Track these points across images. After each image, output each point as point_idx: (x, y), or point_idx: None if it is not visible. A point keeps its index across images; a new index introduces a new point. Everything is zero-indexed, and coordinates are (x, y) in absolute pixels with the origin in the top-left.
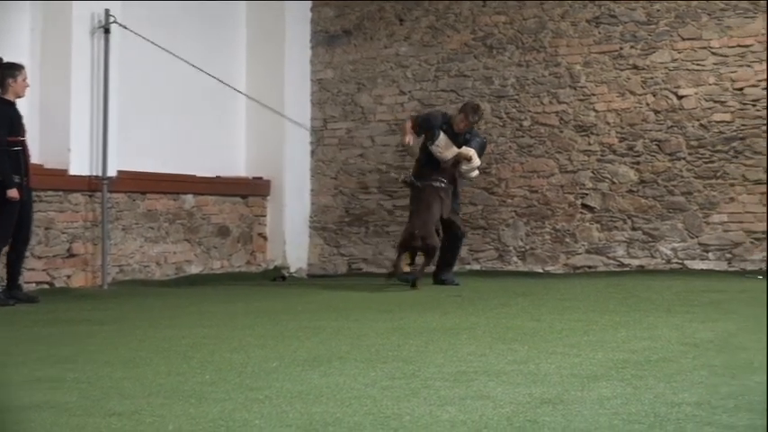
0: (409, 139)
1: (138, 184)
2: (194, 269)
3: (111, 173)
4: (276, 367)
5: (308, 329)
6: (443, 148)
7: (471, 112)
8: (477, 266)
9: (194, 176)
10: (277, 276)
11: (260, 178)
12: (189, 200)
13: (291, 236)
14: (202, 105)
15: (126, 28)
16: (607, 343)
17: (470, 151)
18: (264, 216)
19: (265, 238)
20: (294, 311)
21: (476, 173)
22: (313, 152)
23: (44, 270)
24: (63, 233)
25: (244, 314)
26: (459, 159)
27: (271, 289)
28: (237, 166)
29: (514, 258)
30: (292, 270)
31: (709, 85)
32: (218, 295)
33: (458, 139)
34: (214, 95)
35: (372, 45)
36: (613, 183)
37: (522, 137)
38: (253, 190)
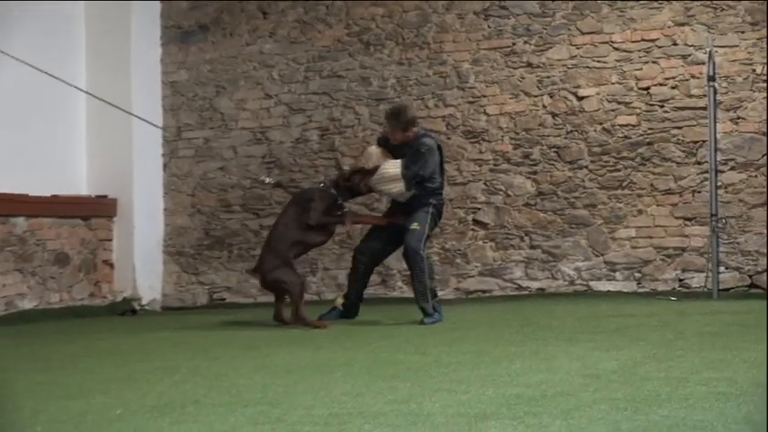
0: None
1: None
2: (28, 304)
3: None
4: (120, 415)
5: (160, 371)
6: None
7: (388, 118)
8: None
9: (26, 196)
10: (126, 310)
11: (104, 197)
12: (20, 223)
13: (143, 262)
14: (35, 113)
15: None
16: (499, 377)
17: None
18: (110, 240)
19: (112, 266)
20: (145, 350)
21: (398, 188)
22: (166, 165)
23: None
24: None
25: (85, 355)
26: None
27: (119, 325)
28: (78, 183)
29: (399, 283)
30: (144, 302)
31: (612, 84)
32: (57, 334)
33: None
34: (49, 101)
35: (233, 42)
36: (508, 195)
37: None
38: (96, 210)
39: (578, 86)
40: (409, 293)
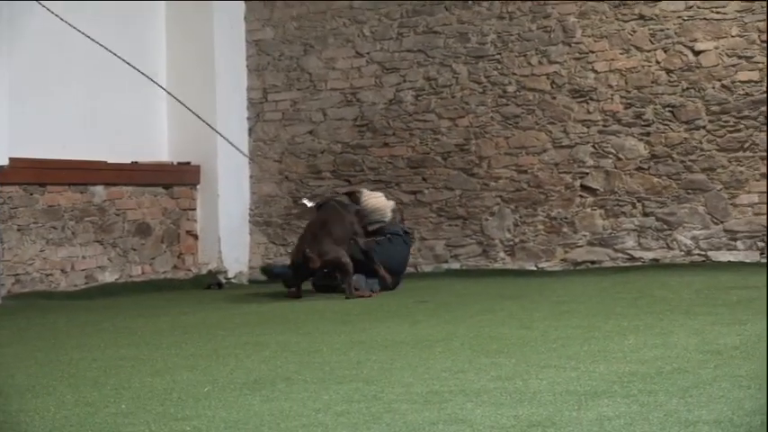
0: None
1: (36, 173)
2: (108, 277)
3: (2, 161)
4: (208, 392)
5: (249, 346)
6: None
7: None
8: (455, 265)
9: (105, 163)
10: (211, 283)
11: (187, 163)
12: (99, 192)
13: (228, 233)
14: (113, 76)
15: None
16: (611, 353)
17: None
18: (194, 210)
19: (196, 237)
20: (231, 325)
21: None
22: (251, 130)
23: None
24: None
25: (169, 330)
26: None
27: (203, 299)
28: (159, 149)
29: (501, 254)
30: (230, 275)
31: (732, 37)
32: (139, 308)
33: None
34: (128, 66)
35: None
36: (619, 159)
37: (507, 105)
38: (178, 178)
39: (695, 40)
40: (512, 264)
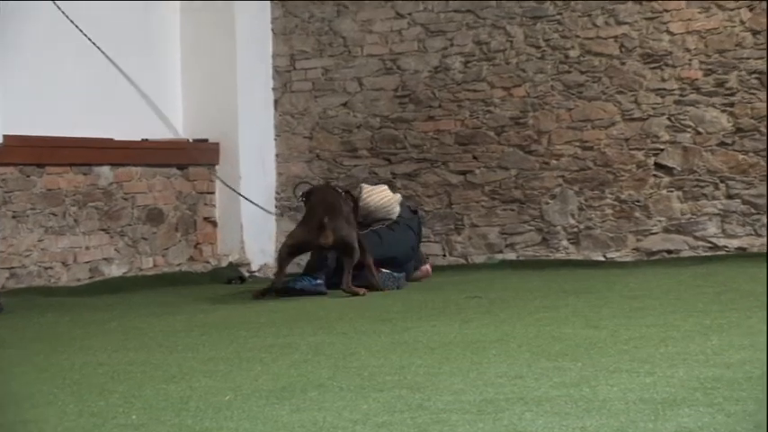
0: None
1: (34, 153)
2: (116, 270)
3: None
4: (230, 401)
5: (276, 348)
6: None
7: None
8: (512, 255)
9: (111, 140)
10: (233, 277)
11: (204, 141)
12: (105, 173)
13: (251, 220)
14: (120, 43)
15: None
16: (692, 355)
17: None
18: (212, 193)
19: (215, 225)
20: (256, 324)
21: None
22: (277, 102)
23: None
24: None
25: (186, 330)
26: None
27: (224, 294)
28: (172, 124)
29: (564, 243)
30: (254, 268)
31: None
32: (150, 305)
33: None
34: (136, 30)
35: None
36: (698, 133)
37: (569, 72)
38: (194, 157)
39: None
40: (576, 255)
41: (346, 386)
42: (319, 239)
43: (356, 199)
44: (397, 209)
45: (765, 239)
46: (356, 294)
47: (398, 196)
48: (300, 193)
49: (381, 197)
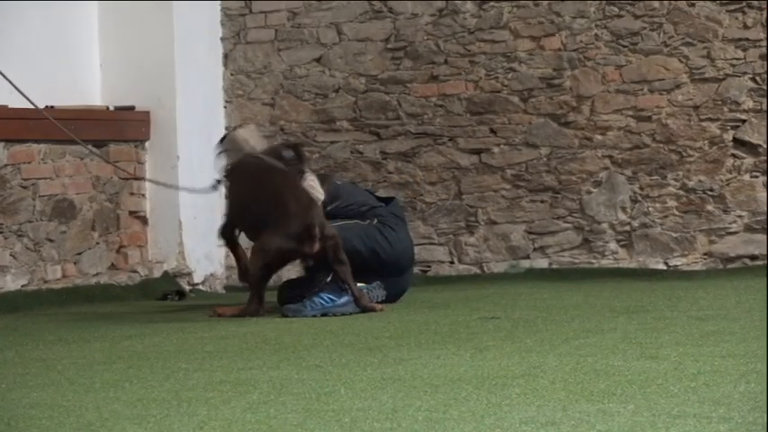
0: None
1: None
2: (11, 282)
3: None
4: None
5: (227, 386)
6: None
7: None
8: (542, 262)
9: (5, 108)
10: (169, 292)
11: (130, 108)
12: None
13: (194, 215)
14: None
15: None
16: None
17: None
18: (141, 179)
19: (145, 222)
20: (200, 355)
21: None
22: (228, 57)
23: None
24: None
25: (106, 363)
26: None
27: (157, 315)
28: (87, 88)
29: (611, 245)
30: (197, 279)
31: None
32: (59, 329)
33: None
34: None
35: None
36: None
37: (619, 17)
38: (117, 131)
39: None
40: (629, 261)
41: None
42: (303, 248)
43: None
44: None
45: None
46: (373, 311)
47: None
48: (224, 166)
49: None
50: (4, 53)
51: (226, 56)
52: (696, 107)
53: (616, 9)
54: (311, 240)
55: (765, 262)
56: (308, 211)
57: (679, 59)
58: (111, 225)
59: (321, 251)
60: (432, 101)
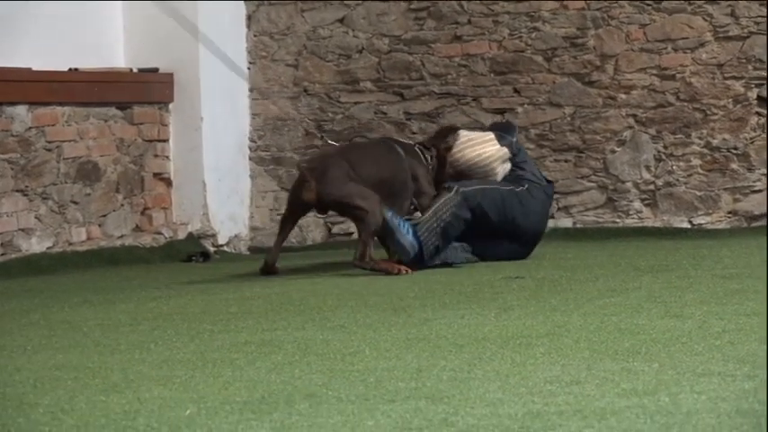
0: None
1: None
2: (36, 244)
3: None
4: (191, 417)
5: (252, 347)
6: None
7: None
8: (566, 221)
9: (28, 71)
10: (193, 254)
11: (154, 71)
12: (20, 115)
13: (217, 176)
14: None
15: None
16: None
17: None
18: (166, 141)
19: (169, 183)
20: (225, 316)
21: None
22: (251, 18)
23: None
24: None
25: (131, 324)
26: None
27: (181, 277)
28: (110, 50)
29: (636, 204)
30: (221, 241)
31: None
32: (84, 291)
33: None
34: None
35: None
36: None
37: None
38: (141, 93)
39: None
40: (653, 220)
41: (346, 396)
42: (301, 195)
43: (441, 150)
44: (501, 170)
45: None
46: (386, 272)
47: (504, 151)
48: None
49: (480, 152)
50: (29, 16)
51: (249, 17)
52: (720, 65)
53: None
54: (306, 188)
55: None
56: (316, 162)
57: (703, 17)
58: (136, 187)
59: (320, 202)
60: (455, 61)
